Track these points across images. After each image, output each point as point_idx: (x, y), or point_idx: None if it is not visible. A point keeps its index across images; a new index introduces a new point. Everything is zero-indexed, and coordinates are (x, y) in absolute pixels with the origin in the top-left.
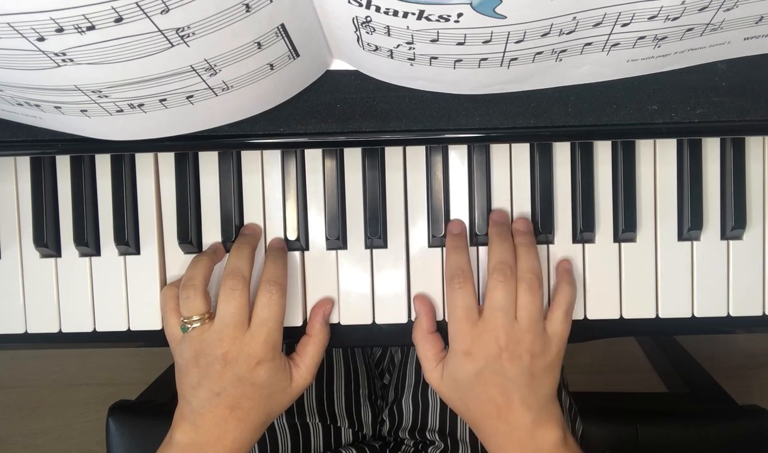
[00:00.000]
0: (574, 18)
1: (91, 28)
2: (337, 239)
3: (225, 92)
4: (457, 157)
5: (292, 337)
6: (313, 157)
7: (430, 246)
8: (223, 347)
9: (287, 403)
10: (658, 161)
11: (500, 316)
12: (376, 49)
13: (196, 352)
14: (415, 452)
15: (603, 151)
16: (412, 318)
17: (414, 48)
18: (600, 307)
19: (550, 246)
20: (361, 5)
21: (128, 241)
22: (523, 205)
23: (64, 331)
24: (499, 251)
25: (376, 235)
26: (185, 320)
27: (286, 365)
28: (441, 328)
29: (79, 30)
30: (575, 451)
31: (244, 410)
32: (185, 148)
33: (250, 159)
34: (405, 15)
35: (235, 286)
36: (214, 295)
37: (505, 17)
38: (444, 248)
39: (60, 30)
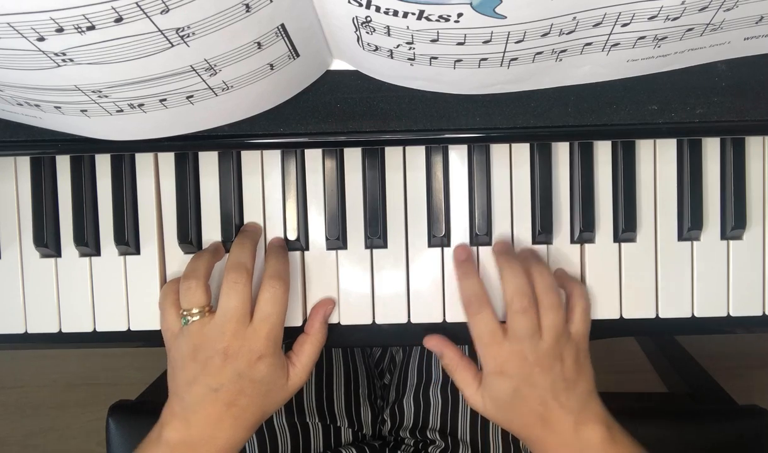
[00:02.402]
0: (574, 18)
1: (91, 28)
2: (337, 239)
3: (225, 92)
4: (457, 157)
5: (291, 338)
6: (313, 157)
7: (430, 246)
8: (225, 341)
9: (282, 402)
10: (658, 161)
11: (526, 342)
12: (376, 49)
13: (195, 347)
14: (415, 451)
15: (603, 151)
16: (412, 318)
17: (414, 48)
18: (600, 307)
19: (550, 246)
20: (361, 5)
21: (128, 241)
22: (523, 205)
23: (64, 331)
24: (512, 278)
25: (376, 235)
26: (185, 312)
27: (285, 363)
28: (446, 329)
29: (79, 30)
30: (626, 446)
31: (240, 407)
32: (185, 148)
33: (250, 159)
34: (405, 15)
35: (239, 279)
36: (214, 290)
37: (505, 17)
38: (444, 248)
39: (60, 30)
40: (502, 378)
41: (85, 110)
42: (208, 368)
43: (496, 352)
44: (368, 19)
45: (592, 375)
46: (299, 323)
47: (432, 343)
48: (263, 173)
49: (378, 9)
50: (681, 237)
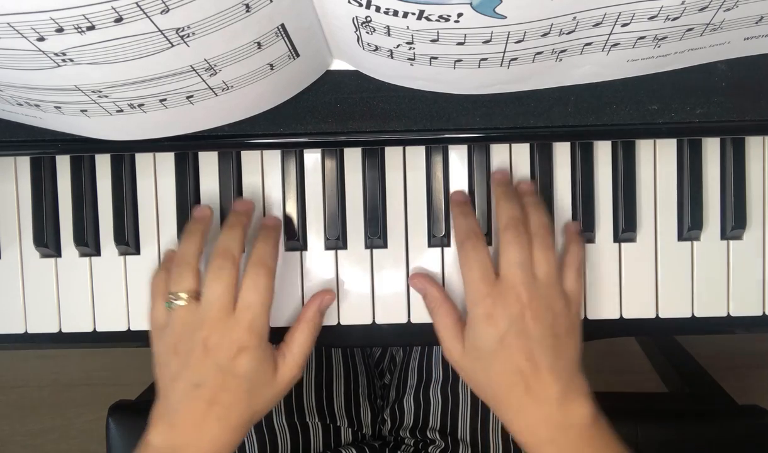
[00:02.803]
0: (574, 18)
1: (91, 28)
2: (337, 239)
3: (225, 92)
4: (457, 157)
5: None
6: (313, 157)
7: (430, 246)
8: (205, 331)
9: (272, 400)
10: (658, 161)
11: (519, 273)
12: (376, 49)
13: (177, 338)
14: (415, 451)
15: (603, 151)
16: (413, 318)
17: (414, 48)
18: (600, 307)
19: None
20: (361, 5)
21: (128, 241)
22: None
23: (64, 331)
24: (507, 208)
25: (376, 235)
26: (171, 295)
27: (271, 356)
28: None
29: (79, 30)
30: (608, 432)
31: (223, 406)
32: (185, 148)
33: (250, 159)
34: (405, 15)
35: (223, 265)
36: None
37: (505, 17)
38: (444, 248)
39: (60, 30)
40: (489, 322)
41: (85, 110)
42: (189, 361)
43: (486, 292)
44: (368, 19)
45: (580, 347)
46: None
47: (416, 280)
48: (263, 173)
49: (378, 9)
50: (681, 237)
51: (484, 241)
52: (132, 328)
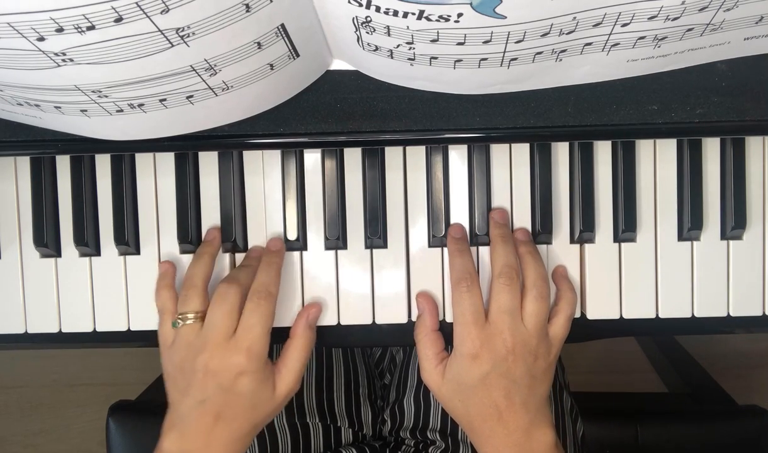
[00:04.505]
0: (574, 18)
1: (91, 28)
2: (337, 239)
3: (225, 92)
4: (457, 157)
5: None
6: (313, 157)
7: (430, 246)
8: (207, 354)
9: (273, 412)
10: (658, 161)
11: (507, 319)
12: (376, 49)
13: (182, 358)
14: (415, 452)
15: (603, 151)
16: (413, 318)
17: (414, 48)
18: (600, 307)
19: (550, 246)
20: (361, 5)
21: (128, 241)
22: (523, 205)
23: (64, 331)
24: (503, 254)
25: (376, 235)
26: (179, 315)
27: (270, 375)
28: (445, 329)
29: (79, 30)
30: None
31: (228, 419)
32: (185, 148)
33: (250, 159)
34: (405, 15)
35: (228, 290)
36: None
37: (505, 17)
38: (444, 248)
39: (60, 30)
40: (475, 361)
41: (85, 110)
42: (193, 381)
43: (476, 334)
44: (368, 19)
45: (552, 382)
46: None
47: (421, 300)
48: (263, 173)
49: (378, 9)
50: (681, 237)
51: (477, 283)
52: (132, 328)
